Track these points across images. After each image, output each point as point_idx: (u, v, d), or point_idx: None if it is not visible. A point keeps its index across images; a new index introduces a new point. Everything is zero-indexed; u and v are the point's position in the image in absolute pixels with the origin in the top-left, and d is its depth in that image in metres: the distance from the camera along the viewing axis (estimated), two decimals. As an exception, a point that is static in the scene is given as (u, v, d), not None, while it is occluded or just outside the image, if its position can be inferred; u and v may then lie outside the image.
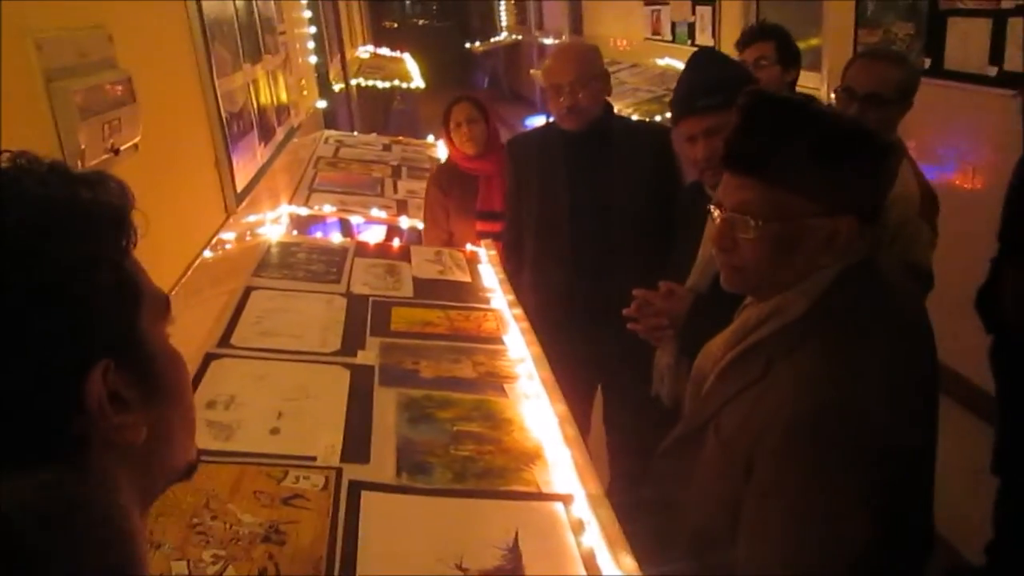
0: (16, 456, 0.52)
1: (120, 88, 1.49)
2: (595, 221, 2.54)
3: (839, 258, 1.27)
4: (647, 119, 5.60)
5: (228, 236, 2.37)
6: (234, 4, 2.78)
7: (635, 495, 1.56)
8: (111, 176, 0.61)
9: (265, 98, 3.19)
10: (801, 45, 3.14)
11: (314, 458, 1.52)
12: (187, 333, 1.90)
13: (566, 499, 1.49)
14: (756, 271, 1.31)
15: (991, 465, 2.50)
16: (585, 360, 2.58)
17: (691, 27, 6.64)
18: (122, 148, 1.48)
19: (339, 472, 1.48)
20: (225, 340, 1.93)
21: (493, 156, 3.07)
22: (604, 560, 1.32)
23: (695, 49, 5.75)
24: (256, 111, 2.95)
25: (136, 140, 1.56)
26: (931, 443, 1.30)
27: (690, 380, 1.53)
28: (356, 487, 1.44)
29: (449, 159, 3.28)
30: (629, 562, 1.29)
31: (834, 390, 1.18)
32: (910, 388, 1.22)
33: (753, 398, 1.27)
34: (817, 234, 1.25)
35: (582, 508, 1.46)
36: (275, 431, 1.60)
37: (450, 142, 3.12)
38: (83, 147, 1.32)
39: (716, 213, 1.33)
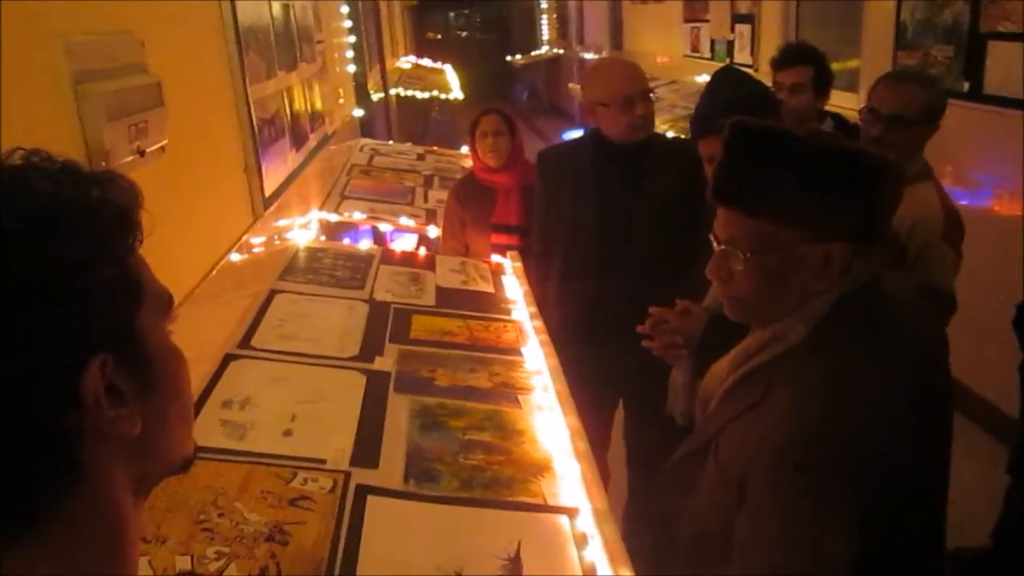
0: (9, 446, 0.54)
1: (148, 92, 1.53)
2: (625, 236, 2.53)
3: (837, 283, 1.25)
4: (683, 135, 5.59)
5: (256, 240, 2.41)
6: (270, 13, 2.83)
7: (640, 508, 1.55)
8: (121, 176, 0.63)
9: (299, 105, 3.24)
10: (839, 67, 3.13)
11: (324, 461, 1.53)
12: (209, 333, 1.94)
13: (571, 512, 1.48)
14: (753, 301, 1.31)
15: (1007, 465, 2.50)
16: (608, 375, 2.57)
17: (730, 45, 6.62)
18: (148, 150, 1.52)
19: (347, 476, 1.49)
20: (246, 341, 1.96)
21: (513, 170, 3.08)
22: (604, 574, 1.32)
23: (737, 67, 5.74)
24: (289, 118, 3.00)
25: (163, 143, 1.59)
26: (939, 466, 1.28)
27: (698, 399, 1.52)
28: (363, 491, 1.45)
29: (470, 171, 3.30)
30: (629, 577, 1.29)
31: (824, 418, 1.17)
32: (907, 416, 1.19)
33: (750, 422, 1.26)
34: (809, 261, 1.24)
35: (587, 522, 1.45)
36: (288, 433, 1.62)
37: (474, 152, 3.14)
38: (108, 148, 1.36)
39: (715, 244, 1.33)
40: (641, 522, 1.50)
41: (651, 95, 2.54)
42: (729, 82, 2.04)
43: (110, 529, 0.61)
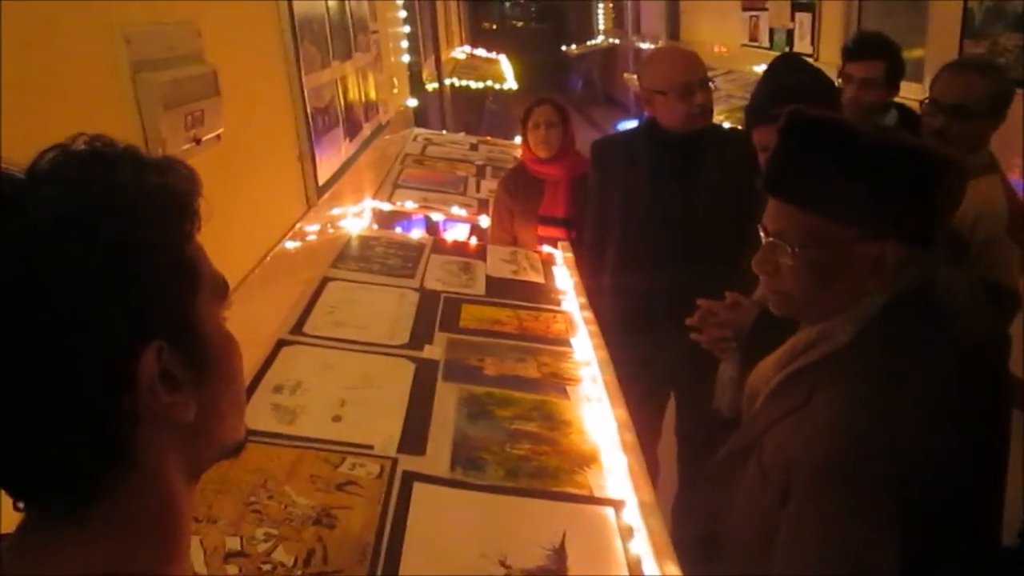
0: (67, 428, 0.55)
1: (205, 81, 1.56)
2: (681, 227, 2.50)
3: (888, 284, 1.21)
4: (739, 126, 5.51)
5: (310, 227, 2.44)
6: (326, 3, 2.85)
7: (686, 502, 1.54)
8: (181, 163, 0.63)
9: (353, 95, 3.27)
10: (903, 56, 3.02)
11: (371, 447, 1.55)
12: (262, 318, 1.97)
13: (617, 504, 1.48)
14: (800, 297, 1.28)
15: None
16: (660, 366, 2.55)
17: (790, 34, 6.48)
18: (204, 139, 1.54)
19: (394, 462, 1.51)
20: (298, 328, 1.99)
21: (564, 162, 3.06)
22: (649, 568, 1.31)
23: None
24: (343, 107, 3.03)
25: (219, 131, 1.62)
26: (993, 472, 1.24)
27: (745, 397, 1.50)
28: (409, 478, 1.47)
29: (520, 161, 3.29)
30: (674, 571, 1.27)
31: (871, 426, 1.13)
32: (957, 425, 1.14)
33: (794, 424, 1.24)
34: (861, 260, 1.20)
35: (633, 515, 1.45)
36: (337, 418, 1.64)
37: (525, 142, 3.13)
38: (165, 136, 1.38)
39: (762, 236, 1.30)
40: (689, 515, 1.48)
41: (710, 84, 2.50)
42: (787, 70, 2.00)
43: (162, 512, 0.62)
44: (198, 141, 1.51)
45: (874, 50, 2.85)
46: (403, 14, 5.51)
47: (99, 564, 0.57)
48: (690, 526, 1.44)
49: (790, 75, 1.94)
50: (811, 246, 1.22)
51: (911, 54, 4.50)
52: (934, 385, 1.15)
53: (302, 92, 2.42)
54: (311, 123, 2.48)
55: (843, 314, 1.24)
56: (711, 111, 2.52)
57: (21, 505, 0.59)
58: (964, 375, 1.19)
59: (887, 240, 1.19)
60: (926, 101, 2.30)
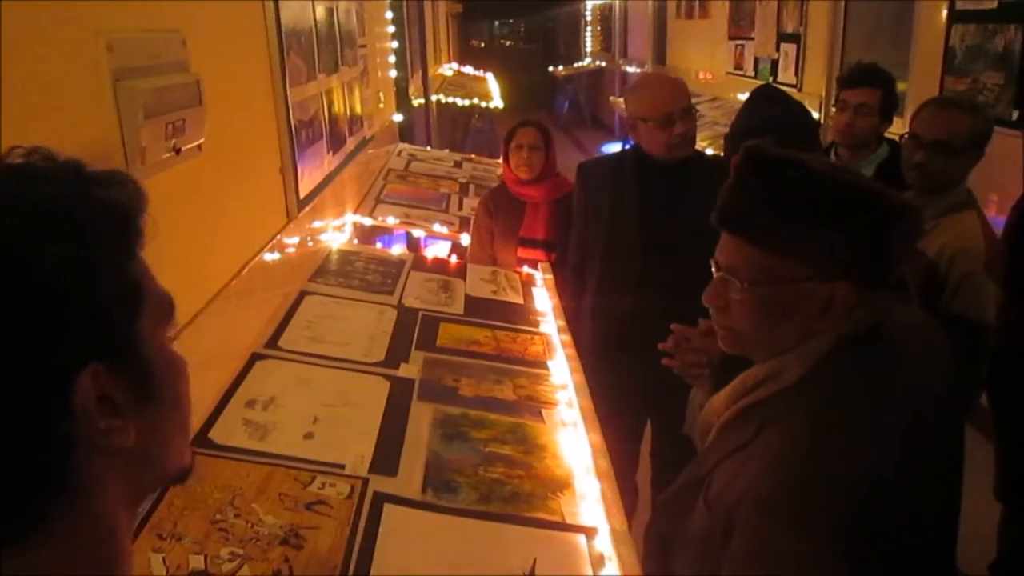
0: (1, 457, 0.53)
1: (188, 90, 1.54)
2: (664, 253, 2.50)
3: (837, 324, 1.21)
4: (723, 154, 5.55)
5: (289, 240, 2.42)
6: (314, 16, 2.85)
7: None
8: (127, 176, 0.61)
9: (338, 108, 3.26)
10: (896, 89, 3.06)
11: (343, 466, 1.53)
12: (238, 331, 1.95)
13: (590, 532, 1.47)
14: (748, 334, 1.28)
15: (994, 491, 2.46)
16: (638, 391, 2.54)
17: (774, 63, 6.56)
18: (184, 148, 1.52)
19: (365, 482, 1.49)
20: (273, 342, 1.96)
21: (545, 184, 3.07)
22: (620, 598, 1.30)
23: (779, 87, 5.69)
24: (327, 121, 3.02)
25: (200, 141, 1.60)
26: (942, 513, 1.24)
27: (698, 430, 1.49)
28: (380, 499, 1.45)
29: (502, 181, 3.29)
30: (645, 602, 1.26)
31: (811, 465, 1.12)
32: (900, 465, 1.14)
33: (739, 463, 1.22)
34: (811, 299, 1.20)
35: (604, 543, 1.43)
36: (309, 436, 1.62)
37: (507, 163, 3.13)
38: (144, 145, 1.37)
39: (714, 271, 1.29)
40: (646, 545, 1.48)
41: (693, 112, 2.51)
42: (766, 101, 2.02)
43: (100, 540, 0.59)
44: (178, 151, 1.49)
45: (871, 78, 2.90)
46: (391, 29, 5.52)
47: None
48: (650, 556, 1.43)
49: (768, 107, 1.96)
50: (761, 283, 1.21)
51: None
52: (878, 428, 1.15)
53: (286, 104, 2.41)
54: (294, 136, 2.47)
55: (790, 353, 1.23)
56: (693, 140, 2.52)
57: None
58: (913, 417, 1.19)
59: (839, 282, 1.18)
60: (907, 136, 2.32)
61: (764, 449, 1.19)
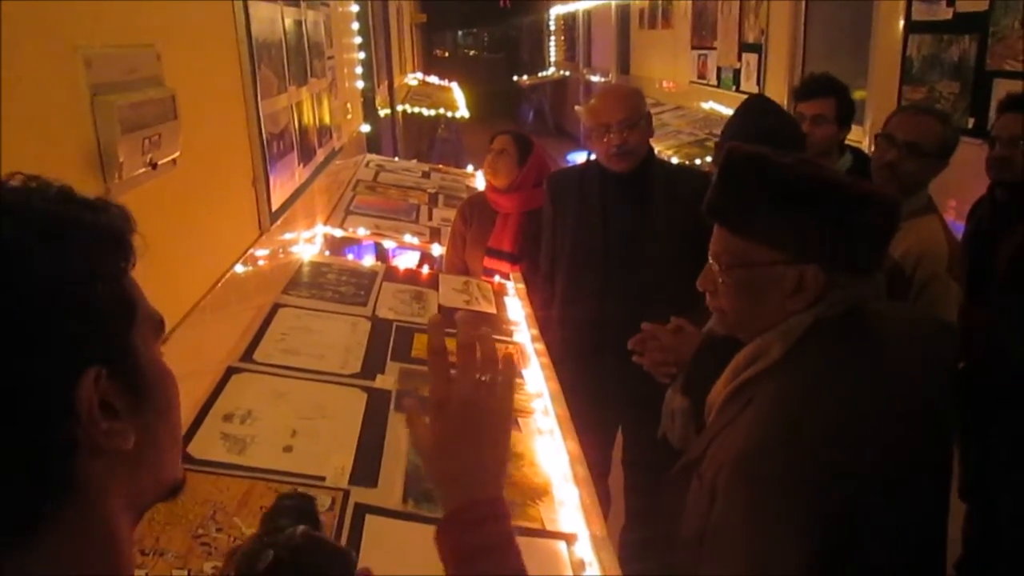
0: (5, 457, 0.54)
1: (163, 105, 1.54)
2: (627, 262, 2.54)
3: (811, 306, 1.31)
4: (688, 162, 5.62)
5: (261, 253, 2.42)
6: (283, 28, 2.85)
7: (637, 533, 1.57)
8: (113, 203, 0.65)
9: (308, 120, 3.25)
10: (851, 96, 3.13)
11: (323, 478, 1.54)
12: (212, 345, 1.94)
13: (569, 538, 1.49)
14: (732, 313, 1.40)
15: (958, 492, 2.51)
16: (609, 399, 2.57)
17: (736, 73, 6.66)
18: (160, 163, 1.52)
19: (346, 494, 1.50)
20: (248, 355, 1.96)
21: (516, 195, 3.08)
22: (601, 602, 1.32)
23: (742, 95, 5.79)
24: (298, 133, 3.01)
25: (175, 155, 1.60)
26: (923, 493, 1.30)
27: (706, 413, 1.54)
28: (361, 510, 1.46)
29: (484, 190, 3.32)
30: (626, 606, 1.29)
31: (779, 429, 1.22)
32: (874, 438, 1.22)
33: (728, 435, 1.32)
34: (784, 282, 1.30)
35: (585, 549, 1.46)
36: (288, 448, 1.62)
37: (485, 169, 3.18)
38: (121, 160, 1.36)
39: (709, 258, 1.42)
40: (640, 546, 1.52)
41: (641, 124, 2.50)
42: (759, 112, 2.06)
43: (105, 544, 0.61)
44: (154, 165, 1.49)
45: (823, 89, 2.96)
46: (358, 40, 5.52)
47: None
48: (642, 557, 1.48)
49: (762, 118, 2.00)
50: (738, 267, 1.35)
51: (853, 96, 4.66)
52: (852, 401, 1.24)
53: (258, 117, 2.41)
54: (266, 148, 2.47)
55: (772, 332, 1.34)
56: (633, 153, 2.50)
57: None
58: (891, 397, 1.27)
59: (807, 264, 1.28)
60: (881, 135, 2.39)
61: (746, 419, 1.29)
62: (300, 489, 1.48)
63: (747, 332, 1.40)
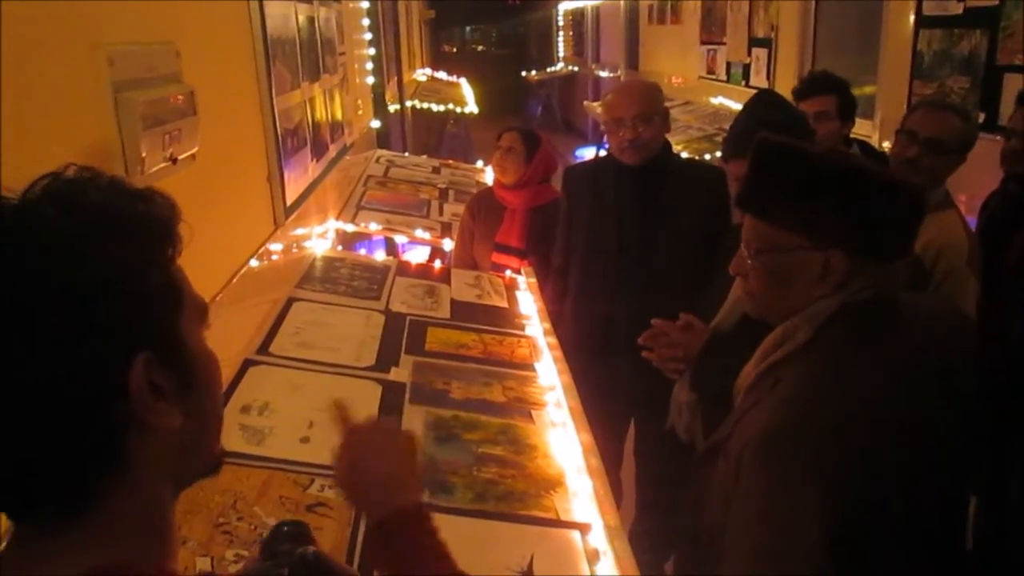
0: (62, 433, 0.58)
1: (183, 101, 1.57)
2: (641, 256, 2.55)
3: (837, 291, 1.34)
4: (697, 157, 5.62)
5: (275, 247, 2.44)
6: (297, 25, 2.87)
7: (648, 524, 1.59)
8: (161, 192, 0.67)
9: (321, 116, 3.28)
10: (856, 93, 3.13)
11: (340, 469, 1.55)
12: (228, 338, 1.97)
13: (584, 528, 1.50)
14: (761, 297, 1.46)
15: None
16: (622, 392, 2.59)
17: (746, 68, 6.65)
18: (180, 158, 1.55)
19: (364, 484, 1.51)
20: (264, 348, 1.98)
21: (524, 191, 3.10)
22: (616, 591, 1.34)
23: (751, 90, 5.78)
24: (311, 128, 3.04)
25: (194, 151, 1.63)
26: (944, 476, 1.32)
27: (734, 397, 1.56)
28: (377, 500, 1.47)
29: (491, 185, 3.34)
30: (640, 594, 1.30)
31: (802, 407, 1.26)
32: (895, 421, 1.25)
33: (754, 415, 1.35)
34: (809, 266, 1.35)
35: (599, 538, 1.47)
36: (305, 440, 1.64)
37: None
38: (144, 155, 1.39)
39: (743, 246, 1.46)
40: (652, 537, 1.55)
41: (656, 119, 2.52)
42: (769, 107, 2.07)
43: (152, 514, 0.65)
44: (174, 160, 1.52)
45: (823, 86, 2.98)
46: (369, 36, 5.54)
47: (94, 565, 0.60)
48: (649, 549, 1.51)
49: (772, 112, 2.01)
50: (766, 252, 1.40)
51: (863, 92, 4.66)
52: (876, 383, 1.27)
53: (273, 113, 2.43)
54: (281, 144, 2.49)
55: (800, 315, 1.37)
56: (646, 147, 2.52)
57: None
58: (915, 383, 1.29)
59: (832, 250, 1.32)
60: (901, 132, 2.40)
61: (773, 399, 1.32)
62: (318, 480, 1.50)
63: (776, 315, 1.44)
